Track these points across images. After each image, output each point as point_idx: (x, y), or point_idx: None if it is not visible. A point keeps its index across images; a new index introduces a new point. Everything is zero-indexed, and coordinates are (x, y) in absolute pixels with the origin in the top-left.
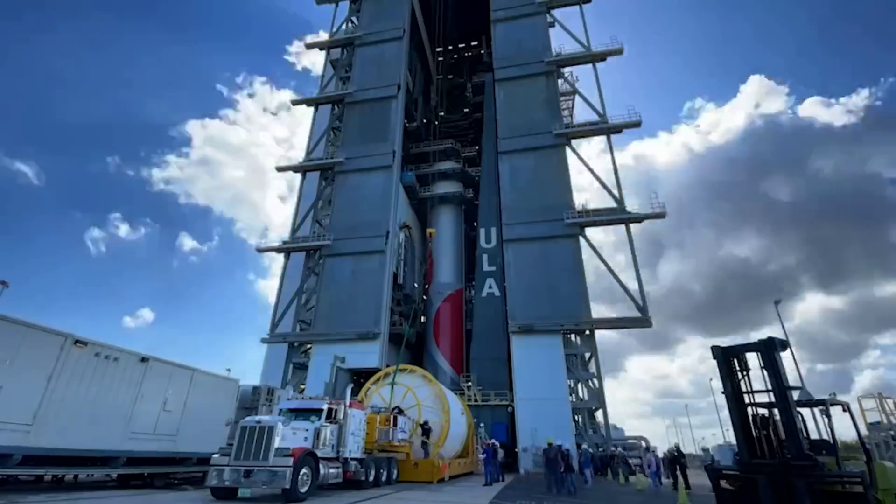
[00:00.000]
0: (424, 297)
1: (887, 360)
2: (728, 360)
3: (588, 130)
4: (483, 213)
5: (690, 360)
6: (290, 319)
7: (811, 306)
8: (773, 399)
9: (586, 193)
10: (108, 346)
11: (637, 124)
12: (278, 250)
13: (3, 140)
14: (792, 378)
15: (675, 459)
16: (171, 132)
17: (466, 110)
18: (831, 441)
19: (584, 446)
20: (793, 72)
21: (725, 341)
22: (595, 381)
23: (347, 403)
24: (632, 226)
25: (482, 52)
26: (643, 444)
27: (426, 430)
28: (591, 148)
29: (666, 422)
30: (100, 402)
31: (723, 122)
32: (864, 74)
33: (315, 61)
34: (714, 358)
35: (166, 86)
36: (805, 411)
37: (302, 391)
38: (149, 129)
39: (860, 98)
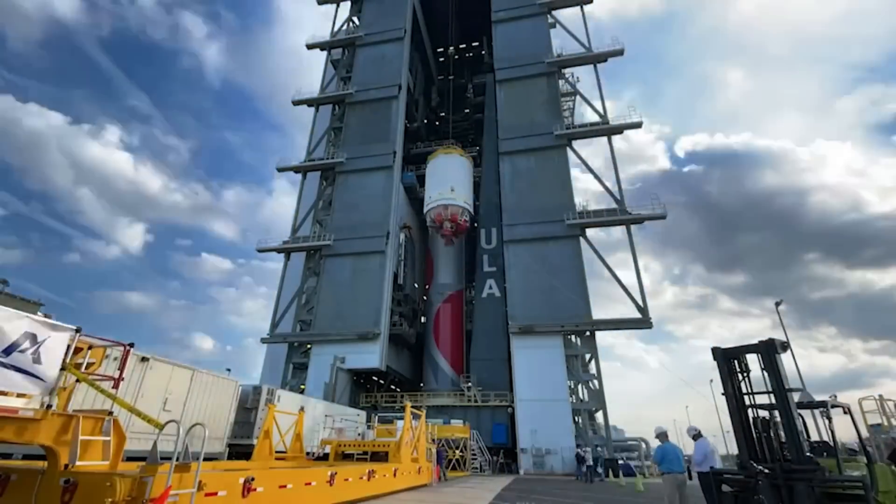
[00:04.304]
0: (425, 298)
1: None
2: (728, 362)
3: (589, 131)
4: (483, 214)
5: None
6: (290, 320)
7: None
8: (773, 401)
9: (587, 194)
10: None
11: (638, 125)
12: (279, 250)
13: None
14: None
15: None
16: None
17: (467, 111)
18: (832, 443)
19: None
20: None
21: None
22: (595, 382)
23: None
24: None
25: (483, 52)
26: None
27: None
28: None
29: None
30: (98, 401)
31: None
32: None
33: None
34: (714, 359)
35: None
36: (806, 413)
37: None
38: None
39: None
